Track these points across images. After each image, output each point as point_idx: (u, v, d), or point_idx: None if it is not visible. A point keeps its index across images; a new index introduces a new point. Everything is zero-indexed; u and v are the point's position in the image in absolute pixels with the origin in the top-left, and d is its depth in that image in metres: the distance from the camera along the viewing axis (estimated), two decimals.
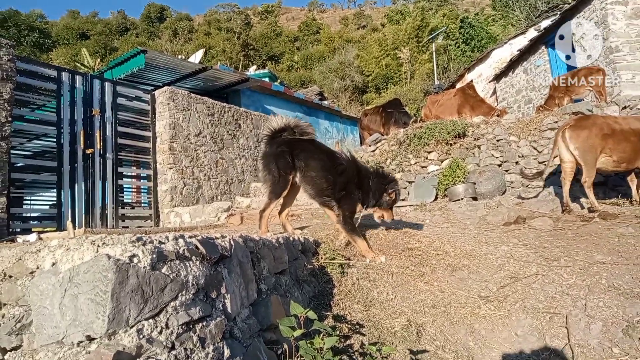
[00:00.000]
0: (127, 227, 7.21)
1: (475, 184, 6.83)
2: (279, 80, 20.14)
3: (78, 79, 7.17)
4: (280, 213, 4.17)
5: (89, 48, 36.53)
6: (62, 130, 6.81)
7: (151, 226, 7.37)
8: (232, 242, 2.32)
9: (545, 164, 7.02)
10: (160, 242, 1.81)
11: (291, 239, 3.33)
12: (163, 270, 1.65)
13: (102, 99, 7.40)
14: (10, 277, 1.81)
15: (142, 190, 8.60)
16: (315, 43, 50.24)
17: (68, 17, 57.72)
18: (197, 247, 1.97)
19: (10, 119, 5.76)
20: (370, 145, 8.64)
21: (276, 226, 4.56)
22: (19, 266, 1.80)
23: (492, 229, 4.91)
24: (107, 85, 7.54)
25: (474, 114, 8.88)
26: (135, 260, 1.57)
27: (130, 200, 8.56)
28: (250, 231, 5.21)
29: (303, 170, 3.78)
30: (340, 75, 34.71)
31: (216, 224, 6.66)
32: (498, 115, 8.97)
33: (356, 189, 3.75)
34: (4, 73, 5.65)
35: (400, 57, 32.66)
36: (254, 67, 26.79)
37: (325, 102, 19.23)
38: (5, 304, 1.77)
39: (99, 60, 28.15)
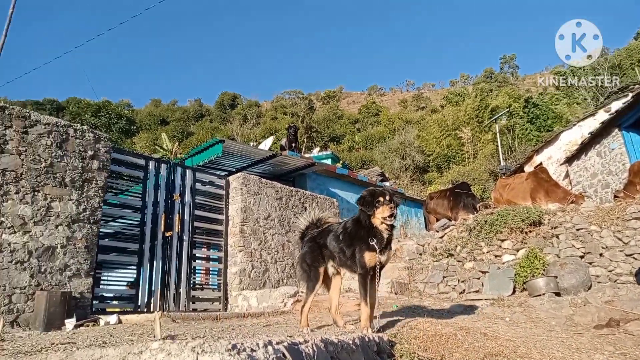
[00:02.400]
0: (197, 309, 7.35)
1: (556, 277, 6.38)
2: (341, 162, 20.71)
3: (163, 166, 7.80)
4: (330, 309, 4.21)
5: (168, 132, 40.03)
6: (145, 213, 7.29)
7: (219, 309, 7.46)
8: (314, 348, 2.34)
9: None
10: (252, 350, 1.90)
11: (366, 339, 3.24)
12: None
13: (183, 184, 7.95)
14: None
15: (212, 273, 8.84)
16: (375, 124, 51.79)
17: (151, 105, 64.35)
18: (284, 355, 2.03)
19: (102, 204, 6.29)
20: (437, 231, 8.46)
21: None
22: None
23: (581, 332, 4.49)
24: (188, 171, 8.13)
25: (549, 199, 8.53)
26: None
27: (199, 282, 8.80)
28: (317, 319, 5.13)
29: (331, 256, 3.93)
30: (400, 155, 35.11)
31: (282, 310, 6.64)
32: (573, 202, 8.56)
33: (358, 240, 3.68)
34: (101, 163, 6.23)
35: (461, 137, 32.72)
36: (317, 148, 27.94)
37: (387, 182, 19.37)
38: None
39: (176, 144, 30.68)
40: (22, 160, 5.10)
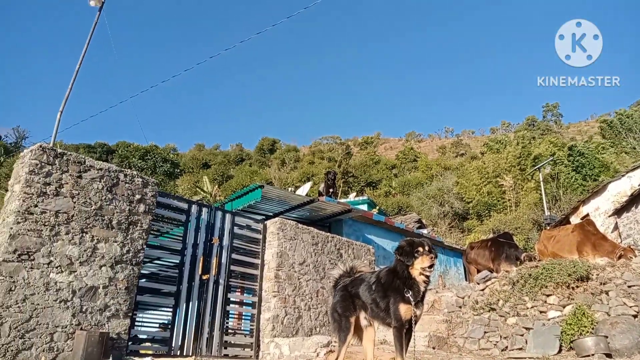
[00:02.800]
0: (228, 355, 7.29)
1: (607, 337, 5.96)
2: (377, 207, 20.56)
3: (204, 210, 7.99)
4: None
5: (209, 175, 41.26)
6: (185, 255, 7.41)
7: (251, 356, 7.36)
8: None
9: None
10: None
11: None
12: None
13: (222, 227, 8.07)
14: None
15: (244, 317, 8.78)
16: (413, 170, 51.49)
17: (195, 150, 66.96)
18: None
19: (145, 246, 6.48)
20: (478, 283, 8.14)
21: None
22: None
23: None
24: (227, 215, 8.28)
25: (597, 253, 8.10)
26: None
27: (232, 326, 8.75)
28: None
29: (363, 306, 3.89)
30: (438, 201, 34.51)
31: None
32: (622, 256, 8.08)
33: (392, 292, 3.62)
34: (147, 207, 6.47)
35: (502, 184, 31.93)
36: (354, 193, 27.91)
37: (425, 230, 18.98)
38: None
39: (216, 186, 31.59)
40: (74, 202, 5.40)
